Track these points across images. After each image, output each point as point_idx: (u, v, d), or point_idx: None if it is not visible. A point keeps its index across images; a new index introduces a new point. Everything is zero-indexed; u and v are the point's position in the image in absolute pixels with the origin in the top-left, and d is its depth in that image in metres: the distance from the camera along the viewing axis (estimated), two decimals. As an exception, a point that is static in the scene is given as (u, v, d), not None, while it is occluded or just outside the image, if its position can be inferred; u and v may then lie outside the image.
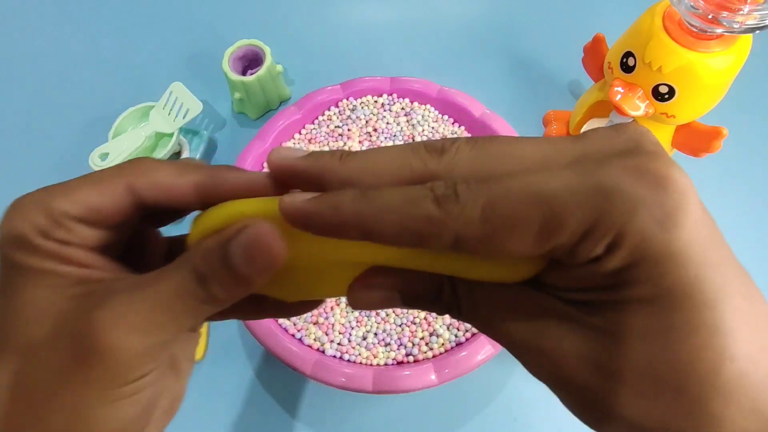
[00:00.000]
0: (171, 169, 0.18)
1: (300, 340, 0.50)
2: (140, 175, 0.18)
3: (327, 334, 0.50)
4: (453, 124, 0.61)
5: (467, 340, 0.49)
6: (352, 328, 0.51)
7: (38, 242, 0.16)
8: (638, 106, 0.50)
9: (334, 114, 0.61)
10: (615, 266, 0.13)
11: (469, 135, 0.60)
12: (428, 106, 0.61)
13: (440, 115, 0.61)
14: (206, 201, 0.18)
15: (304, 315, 0.51)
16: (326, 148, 0.60)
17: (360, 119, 0.61)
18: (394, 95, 0.62)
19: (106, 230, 0.18)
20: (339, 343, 0.50)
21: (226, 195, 0.17)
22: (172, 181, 0.18)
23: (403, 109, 0.61)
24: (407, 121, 0.61)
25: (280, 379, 0.55)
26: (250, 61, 0.67)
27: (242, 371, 0.55)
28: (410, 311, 0.51)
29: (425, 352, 0.49)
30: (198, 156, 0.64)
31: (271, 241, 0.15)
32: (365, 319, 0.51)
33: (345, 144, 0.60)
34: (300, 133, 0.61)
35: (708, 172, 0.64)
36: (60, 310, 0.16)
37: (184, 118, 0.60)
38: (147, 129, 0.60)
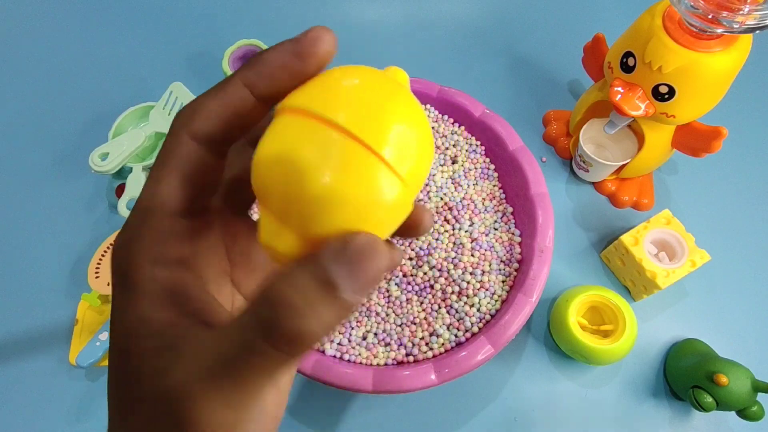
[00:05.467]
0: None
1: (300, 340, 0.50)
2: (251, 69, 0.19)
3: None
4: (453, 123, 0.61)
5: (467, 340, 0.49)
6: (352, 328, 0.51)
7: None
8: (638, 106, 0.50)
9: (334, 114, 0.61)
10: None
11: (469, 135, 0.60)
12: (428, 106, 0.61)
13: (440, 115, 0.61)
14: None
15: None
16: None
17: (360, 119, 0.60)
18: (394, 95, 0.61)
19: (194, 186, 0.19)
20: (339, 343, 0.50)
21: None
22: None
23: (403, 109, 0.61)
24: (407, 121, 0.61)
25: (280, 379, 0.55)
26: (250, 61, 0.67)
27: (242, 371, 0.55)
28: (410, 311, 0.51)
29: (425, 352, 0.49)
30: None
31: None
32: (365, 319, 0.51)
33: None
34: (300, 133, 0.61)
35: (708, 172, 0.64)
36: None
37: (184, 118, 0.60)
38: (147, 129, 0.60)
